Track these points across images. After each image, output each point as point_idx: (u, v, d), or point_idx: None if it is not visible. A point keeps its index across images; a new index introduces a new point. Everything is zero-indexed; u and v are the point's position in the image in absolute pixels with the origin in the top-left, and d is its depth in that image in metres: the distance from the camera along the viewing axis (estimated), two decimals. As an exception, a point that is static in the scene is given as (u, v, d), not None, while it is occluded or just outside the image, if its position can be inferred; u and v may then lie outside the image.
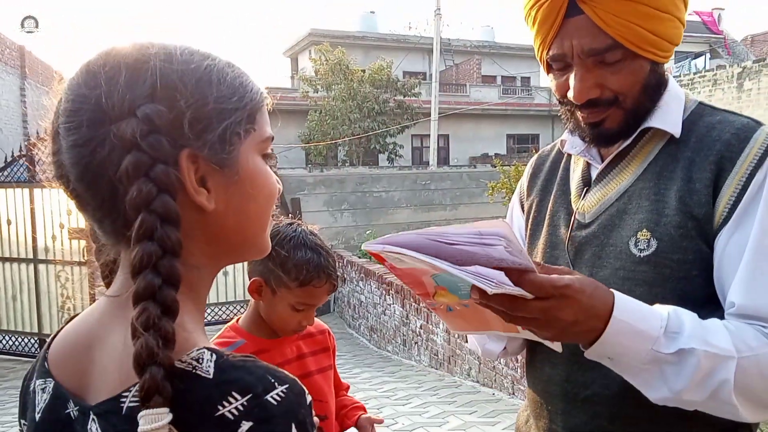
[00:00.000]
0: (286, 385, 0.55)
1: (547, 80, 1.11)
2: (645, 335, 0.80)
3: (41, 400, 0.63)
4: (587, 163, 1.08)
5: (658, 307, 0.84)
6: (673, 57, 1.00)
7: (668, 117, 0.99)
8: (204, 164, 0.59)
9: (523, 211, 1.21)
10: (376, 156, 21.38)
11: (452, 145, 24.76)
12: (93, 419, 0.57)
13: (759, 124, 0.94)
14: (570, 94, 0.98)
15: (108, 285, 0.67)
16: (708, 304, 0.91)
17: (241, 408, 0.52)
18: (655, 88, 0.98)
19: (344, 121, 19.02)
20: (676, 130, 0.98)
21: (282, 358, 1.39)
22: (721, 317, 0.90)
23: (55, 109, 0.61)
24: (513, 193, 5.60)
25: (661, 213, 0.94)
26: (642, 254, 0.94)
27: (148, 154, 0.55)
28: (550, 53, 0.98)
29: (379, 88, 19.57)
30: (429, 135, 20.12)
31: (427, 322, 6.43)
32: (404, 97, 20.22)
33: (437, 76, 19.81)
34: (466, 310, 0.87)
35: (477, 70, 26.70)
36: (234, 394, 0.53)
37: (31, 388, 0.65)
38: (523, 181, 1.24)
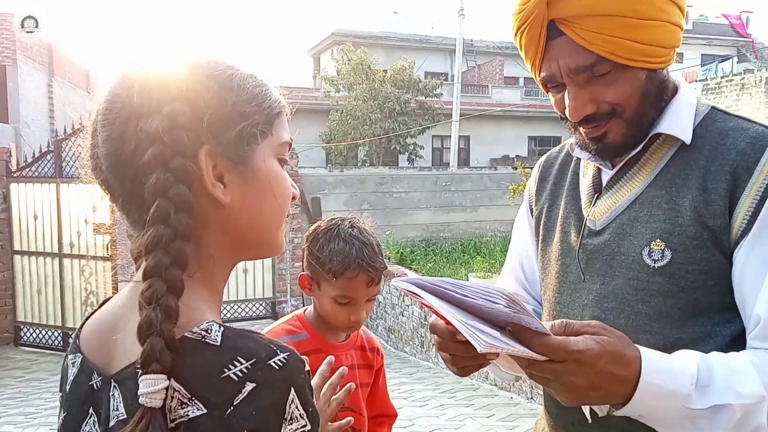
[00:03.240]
0: (287, 353, 0.60)
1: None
2: (676, 394, 0.78)
3: (71, 373, 0.70)
4: (598, 168, 1.07)
5: (685, 358, 0.82)
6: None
7: (678, 122, 0.97)
8: (222, 161, 0.66)
9: (533, 216, 1.20)
10: (396, 156, 21.36)
11: (473, 146, 24.64)
12: (114, 386, 0.63)
13: None
14: (567, 112, 0.98)
15: None
16: (724, 313, 0.90)
17: (245, 370, 0.57)
18: (656, 94, 0.97)
19: (365, 121, 19.03)
20: (686, 137, 0.96)
21: (338, 364, 1.39)
22: (739, 328, 0.90)
23: (96, 109, 0.68)
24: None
25: (675, 223, 0.92)
26: (656, 265, 0.93)
27: (169, 147, 0.61)
28: (541, 75, 0.98)
29: (400, 89, 19.55)
30: (449, 136, 20.04)
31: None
32: (426, 97, 20.18)
33: (459, 77, 19.74)
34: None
35: (499, 71, 26.55)
36: (239, 358, 0.58)
37: (66, 363, 0.72)
38: (531, 185, 1.22)
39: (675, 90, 1.01)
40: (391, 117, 19.34)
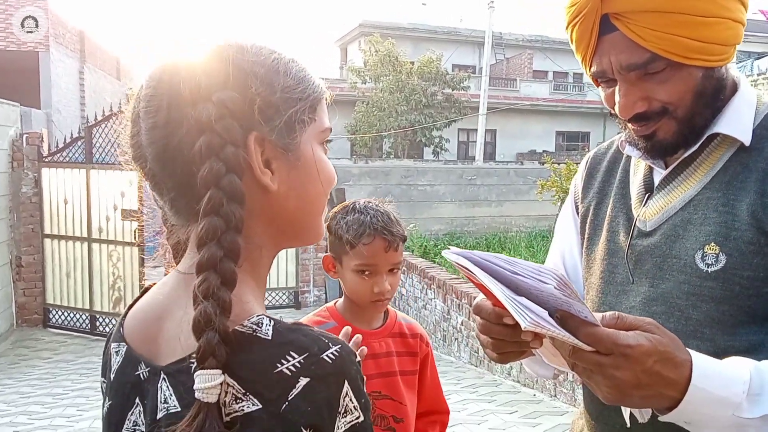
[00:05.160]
0: (339, 345, 0.60)
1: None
2: (726, 402, 0.75)
3: (115, 362, 0.70)
4: (650, 166, 1.03)
5: (737, 365, 0.78)
6: (735, 59, 0.94)
7: (737, 123, 0.92)
8: (270, 148, 0.65)
9: (578, 213, 1.15)
10: (421, 149, 21.30)
11: (499, 140, 24.44)
12: (164, 378, 0.63)
13: None
14: (616, 108, 0.94)
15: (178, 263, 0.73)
16: None
17: (298, 365, 0.57)
18: (713, 93, 0.92)
19: (391, 113, 19.00)
20: (745, 138, 0.91)
21: (369, 352, 1.37)
22: None
23: (136, 95, 0.66)
24: (563, 192, 5.46)
25: (731, 226, 0.88)
26: (709, 269, 0.89)
27: (220, 136, 0.60)
28: (592, 70, 0.95)
29: (427, 81, 19.46)
30: (476, 129, 19.91)
31: (469, 318, 6.37)
32: (453, 90, 20.05)
33: (488, 70, 19.57)
34: (549, 342, 0.84)
35: (528, 64, 26.25)
36: (291, 353, 0.57)
37: (109, 351, 0.72)
38: (577, 181, 1.18)
39: (735, 88, 0.96)
40: (417, 109, 19.28)
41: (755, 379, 0.76)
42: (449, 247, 0.81)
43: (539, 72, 26.78)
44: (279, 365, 0.57)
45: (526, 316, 0.68)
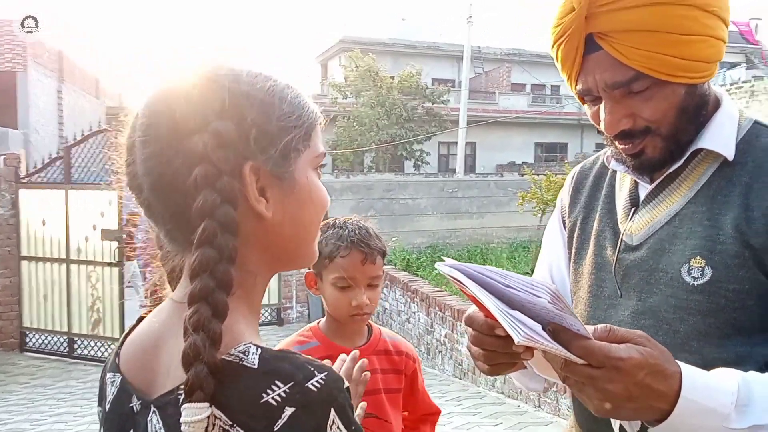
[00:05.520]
0: (325, 373, 0.59)
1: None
2: (715, 413, 0.75)
3: (110, 392, 0.69)
4: (635, 181, 1.04)
5: (725, 376, 0.79)
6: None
7: (720, 138, 0.94)
8: (265, 176, 0.65)
9: (565, 228, 1.17)
10: (402, 163, 21.37)
11: (479, 152, 24.62)
12: (153, 411, 0.62)
13: None
14: (602, 126, 0.96)
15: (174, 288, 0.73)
16: (764, 333, 0.88)
17: (283, 395, 0.56)
18: (695, 109, 0.94)
19: (372, 127, 19.07)
20: (728, 153, 0.93)
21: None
22: None
23: (132, 124, 0.66)
24: (543, 203, 5.49)
25: (716, 240, 0.90)
26: (696, 282, 0.90)
27: (215, 167, 0.60)
28: (578, 88, 0.97)
29: (407, 95, 19.59)
30: (456, 142, 20.03)
31: (452, 331, 6.37)
32: (432, 104, 20.19)
33: (467, 84, 19.74)
34: (541, 354, 0.83)
35: (507, 77, 26.55)
36: (277, 382, 0.57)
37: (105, 380, 0.72)
38: (564, 196, 1.19)
39: (717, 104, 0.98)
40: (398, 123, 19.37)
41: (743, 390, 0.77)
42: (444, 258, 0.82)
43: (517, 85, 27.08)
44: (265, 395, 0.56)
45: (520, 330, 0.68)
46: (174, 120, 0.62)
